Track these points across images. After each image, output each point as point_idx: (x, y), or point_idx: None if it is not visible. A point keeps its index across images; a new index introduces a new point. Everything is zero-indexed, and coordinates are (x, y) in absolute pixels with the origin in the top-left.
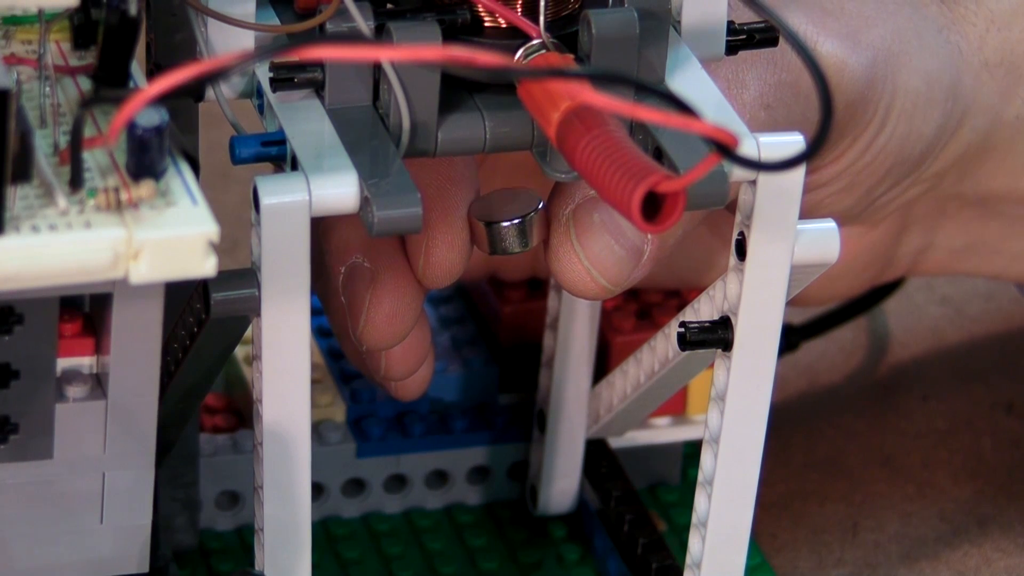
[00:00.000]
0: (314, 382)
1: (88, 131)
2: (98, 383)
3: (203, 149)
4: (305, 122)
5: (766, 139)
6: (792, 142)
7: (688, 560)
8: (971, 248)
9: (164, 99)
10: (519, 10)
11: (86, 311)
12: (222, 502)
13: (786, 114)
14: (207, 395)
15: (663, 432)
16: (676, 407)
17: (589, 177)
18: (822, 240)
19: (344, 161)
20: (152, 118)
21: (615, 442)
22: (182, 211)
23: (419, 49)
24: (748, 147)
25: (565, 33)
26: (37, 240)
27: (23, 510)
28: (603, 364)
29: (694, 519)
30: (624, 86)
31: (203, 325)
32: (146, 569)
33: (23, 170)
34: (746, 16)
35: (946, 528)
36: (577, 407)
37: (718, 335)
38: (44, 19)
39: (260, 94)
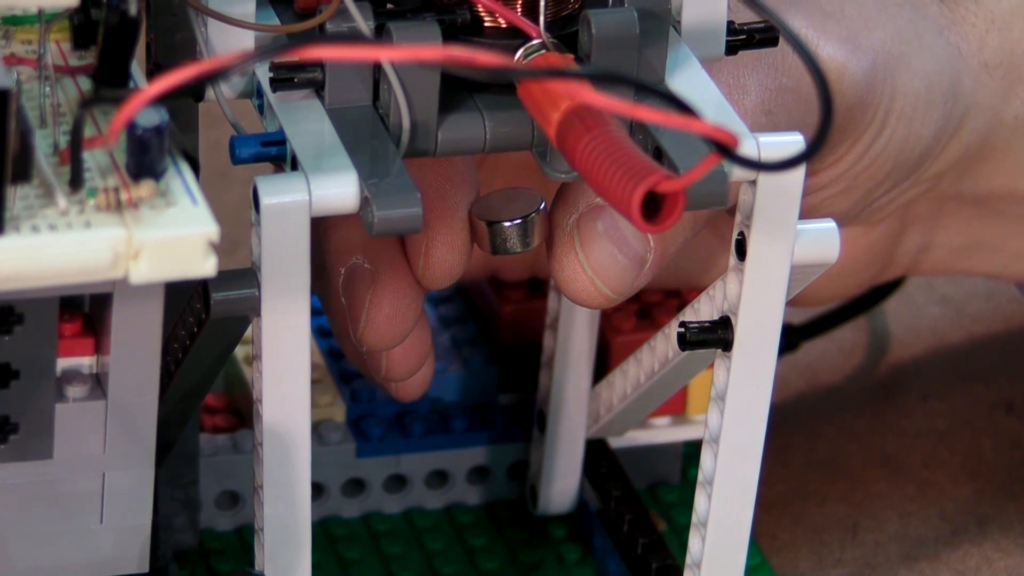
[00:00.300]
0: (314, 382)
1: (88, 131)
2: (98, 383)
3: (203, 149)
4: (305, 122)
5: (766, 139)
6: (792, 142)
7: (688, 560)
8: (971, 247)
9: (164, 99)
10: (519, 10)
11: (86, 311)
12: (222, 502)
13: (787, 119)
14: (207, 395)
15: (663, 432)
16: (676, 407)
17: (589, 177)
18: (822, 240)
19: (344, 161)
20: (152, 118)
21: (615, 442)
22: (182, 211)
23: (419, 49)
24: (748, 147)
25: (565, 33)
26: (37, 240)
27: (23, 510)
28: (603, 364)
29: (694, 519)
30: (624, 86)
31: (203, 325)
32: (146, 569)
33: (23, 170)
34: (747, 17)
35: (946, 528)
36: (577, 407)
37: (718, 335)
38: (44, 19)
39: (260, 94)
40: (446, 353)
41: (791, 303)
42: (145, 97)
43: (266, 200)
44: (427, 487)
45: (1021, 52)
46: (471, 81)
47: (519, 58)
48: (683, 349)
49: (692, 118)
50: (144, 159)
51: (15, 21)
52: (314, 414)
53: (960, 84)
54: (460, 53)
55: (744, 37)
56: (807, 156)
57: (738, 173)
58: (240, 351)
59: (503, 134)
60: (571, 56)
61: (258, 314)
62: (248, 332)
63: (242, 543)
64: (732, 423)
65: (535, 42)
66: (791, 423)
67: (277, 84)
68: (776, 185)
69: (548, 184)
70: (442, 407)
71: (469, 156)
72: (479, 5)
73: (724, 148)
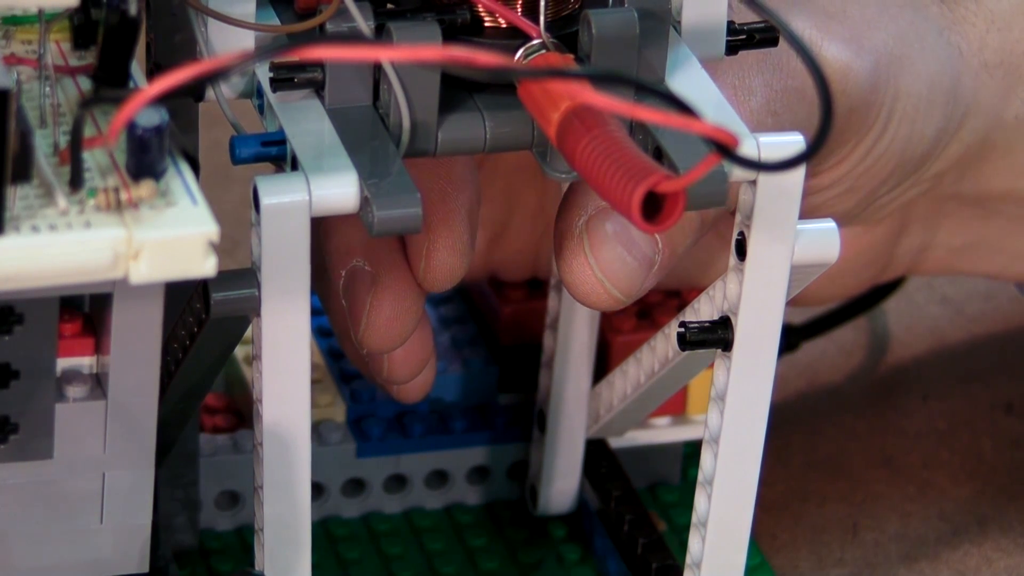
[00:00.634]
0: (314, 382)
1: (88, 131)
2: (98, 383)
3: (203, 149)
4: (305, 122)
5: (766, 139)
6: (792, 142)
7: (688, 560)
8: (971, 247)
9: (164, 99)
10: (519, 10)
11: (86, 311)
12: (222, 502)
13: (792, 120)
14: (207, 395)
15: (663, 432)
16: (676, 407)
17: (589, 177)
18: (822, 240)
19: (344, 161)
20: (152, 118)
21: (615, 442)
22: (182, 211)
23: (419, 49)
24: (748, 147)
25: (565, 33)
26: (37, 240)
27: (23, 510)
28: (603, 364)
29: (694, 519)
30: (624, 86)
31: (203, 325)
32: (146, 569)
33: (23, 170)
34: (747, 17)
35: (946, 528)
36: (577, 407)
37: (718, 335)
38: (44, 19)
39: (260, 94)
40: (446, 353)
41: (791, 303)
42: (145, 97)
43: (266, 200)
44: (427, 487)
45: (1021, 52)
46: (471, 81)
47: (519, 58)
48: (683, 349)
49: (692, 118)
50: (144, 159)
51: (15, 21)
52: (314, 414)
53: (961, 84)
54: (460, 53)
55: (744, 37)
56: (807, 156)
57: (738, 173)
58: (240, 351)
59: (503, 134)
60: (571, 56)
61: (258, 314)
62: (248, 332)
63: (242, 543)
64: (732, 423)
65: (535, 42)
66: (791, 423)
67: (277, 84)
68: (776, 185)
69: (548, 185)
70: (442, 407)
71: (469, 158)
72: (479, 5)
73: (724, 148)
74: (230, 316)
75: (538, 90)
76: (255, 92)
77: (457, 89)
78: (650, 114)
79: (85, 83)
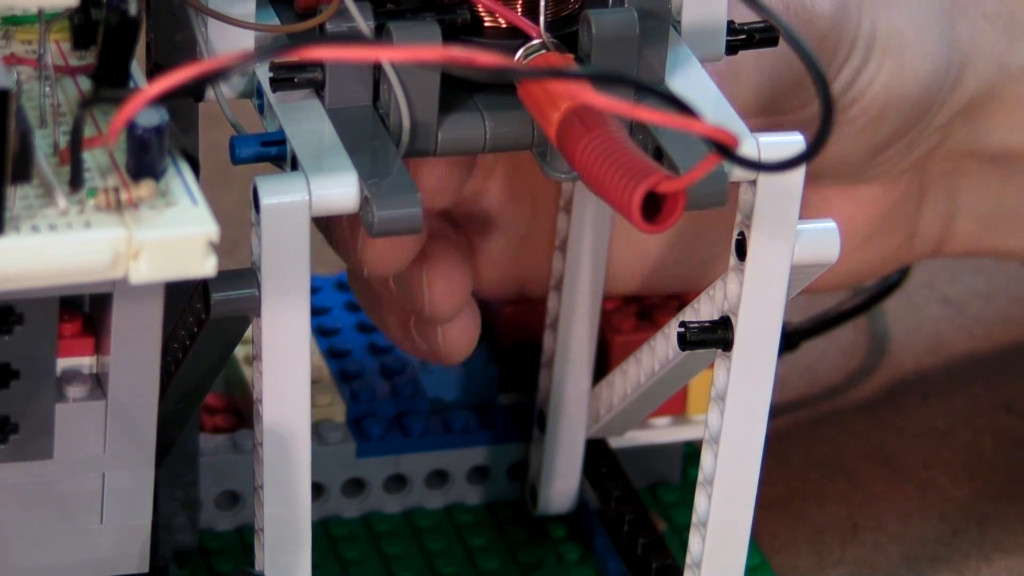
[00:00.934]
0: (314, 382)
1: (88, 131)
2: (98, 383)
3: (203, 149)
4: (305, 122)
5: (766, 139)
6: (792, 142)
7: (688, 560)
8: (998, 216)
9: (164, 99)
10: (519, 10)
11: (86, 311)
12: (222, 502)
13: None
14: (207, 395)
15: (663, 432)
16: (676, 407)
17: (589, 177)
18: (822, 240)
19: (344, 161)
20: (152, 118)
21: (615, 442)
22: (182, 211)
23: (419, 49)
24: (748, 147)
25: (565, 33)
26: (37, 240)
27: (23, 510)
28: (603, 364)
29: (694, 519)
30: (624, 86)
31: (203, 325)
32: (146, 569)
33: (23, 170)
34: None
35: (946, 528)
36: (577, 407)
37: (718, 335)
38: (44, 19)
39: (260, 94)
40: None
41: (821, 288)
42: (145, 97)
43: (266, 200)
44: (427, 487)
45: (1022, 11)
46: (471, 81)
47: (519, 58)
48: (683, 349)
49: (692, 118)
50: (144, 159)
51: (15, 21)
52: (314, 414)
53: (957, 29)
54: (460, 53)
55: (744, 37)
56: (807, 156)
57: (738, 173)
58: (240, 351)
59: (503, 134)
60: (571, 56)
61: (258, 314)
62: (248, 332)
63: (242, 543)
64: (732, 423)
65: (535, 42)
66: (791, 423)
67: (277, 84)
68: (776, 185)
69: (548, 185)
70: (442, 407)
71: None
72: (479, 5)
73: (724, 148)
74: (230, 316)
75: (538, 90)
76: (255, 92)
77: (457, 89)
78: (650, 114)
79: (85, 83)
